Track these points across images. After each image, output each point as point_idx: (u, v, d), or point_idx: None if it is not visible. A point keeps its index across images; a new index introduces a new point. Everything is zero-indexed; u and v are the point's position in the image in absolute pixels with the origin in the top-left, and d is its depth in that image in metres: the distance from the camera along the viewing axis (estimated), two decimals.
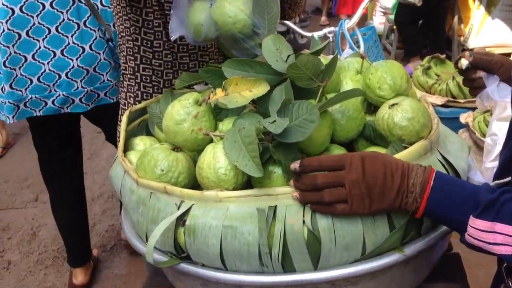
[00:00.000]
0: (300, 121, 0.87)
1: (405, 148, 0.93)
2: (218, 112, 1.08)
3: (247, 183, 0.93)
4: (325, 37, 2.05)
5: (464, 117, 2.91)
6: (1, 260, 2.82)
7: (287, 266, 0.87)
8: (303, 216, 0.85)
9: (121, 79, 1.48)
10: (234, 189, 0.90)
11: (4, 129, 4.10)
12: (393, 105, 0.99)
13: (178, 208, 0.91)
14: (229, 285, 0.92)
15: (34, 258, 2.83)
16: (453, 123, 3.08)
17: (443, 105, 3.16)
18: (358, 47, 2.19)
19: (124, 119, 1.21)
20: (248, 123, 0.93)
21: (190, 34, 1.14)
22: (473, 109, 2.99)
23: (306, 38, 2.42)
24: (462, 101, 3.10)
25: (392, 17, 5.56)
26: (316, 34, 2.05)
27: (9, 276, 2.70)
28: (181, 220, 0.91)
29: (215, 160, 0.90)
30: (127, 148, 1.17)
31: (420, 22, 5.23)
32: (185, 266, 0.94)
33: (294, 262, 0.86)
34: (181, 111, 0.98)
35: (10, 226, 3.11)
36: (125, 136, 1.17)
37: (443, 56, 3.55)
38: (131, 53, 1.39)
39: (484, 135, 2.69)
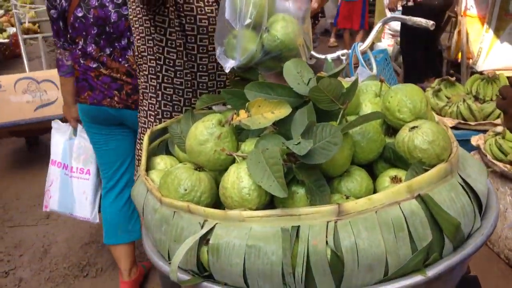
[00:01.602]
0: (323, 143, 0.88)
1: (426, 170, 0.94)
2: (239, 133, 1.10)
3: (270, 203, 0.94)
4: (338, 59, 2.08)
5: (476, 140, 2.91)
6: (12, 277, 2.83)
7: (310, 286, 0.88)
8: (326, 236, 0.86)
9: (141, 97, 1.50)
10: (257, 209, 0.92)
11: None
12: (413, 127, 1.00)
13: (202, 227, 0.93)
14: None
15: (45, 275, 2.83)
16: (464, 146, 3.08)
17: (454, 127, 3.16)
18: (371, 69, 2.21)
19: (145, 138, 1.23)
20: (271, 144, 0.94)
21: (239, 58, 1.12)
22: (484, 131, 3.00)
23: (314, 59, 2.47)
24: (473, 123, 3.11)
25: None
26: (330, 56, 2.08)
27: None
28: (204, 239, 0.93)
29: (239, 180, 0.92)
30: (148, 167, 1.19)
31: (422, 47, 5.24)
32: (207, 285, 0.94)
33: (317, 282, 0.87)
34: (205, 132, 1.00)
35: (22, 244, 3.13)
36: (147, 155, 1.19)
37: (453, 78, 3.57)
38: (153, 72, 1.42)
39: (495, 158, 2.69)
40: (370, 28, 6.36)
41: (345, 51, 2.11)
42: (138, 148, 1.57)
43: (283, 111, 0.98)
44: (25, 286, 2.76)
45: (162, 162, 1.23)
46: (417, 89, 1.07)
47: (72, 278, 2.80)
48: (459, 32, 5.12)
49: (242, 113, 0.99)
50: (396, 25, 5.86)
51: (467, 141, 3.00)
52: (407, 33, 5.14)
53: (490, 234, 0.98)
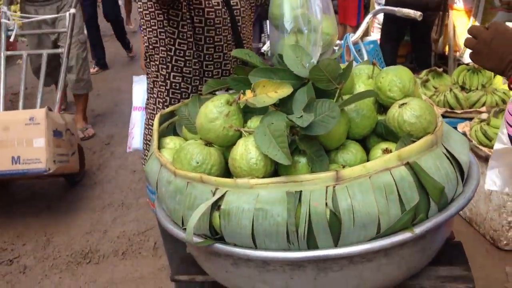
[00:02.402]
0: (323, 116, 0.99)
1: (413, 142, 1.05)
2: (245, 113, 1.20)
3: (275, 172, 1.05)
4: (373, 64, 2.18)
5: (462, 127, 3.04)
6: (17, 265, 2.92)
7: (311, 243, 0.99)
8: (326, 199, 0.97)
9: (151, 86, 1.60)
10: (264, 177, 1.02)
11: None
12: (402, 104, 1.11)
13: (213, 195, 1.03)
14: (258, 262, 1.04)
15: (49, 263, 2.92)
16: None
17: (442, 116, 3.29)
18: (362, 59, 2.33)
19: (156, 121, 1.33)
20: (275, 120, 1.05)
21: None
22: (470, 119, 3.12)
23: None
24: (459, 111, 3.24)
25: None
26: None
27: (26, 279, 2.80)
28: (215, 206, 1.03)
29: (247, 152, 1.02)
30: (159, 147, 1.29)
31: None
32: (219, 246, 1.05)
33: (317, 240, 0.98)
34: (214, 110, 1.11)
35: (24, 234, 3.21)
36: (157, 136, 1.29)
37: (441, 69, 3.71)
38: (163, 62, 1.51)
39: (480, 143, 2.82)
40: (359, 23, 6.48)
41: (338, 41, 2.22)
42: (147, 133, 1.66)
43: (285, 90, 1.09)
44: (29, 273, 2.85)
45: (171, 142, 1.33)
46: (406, 70, 1.18)
47: (75, 264, 2.89)
48: (446, 25, 5.26)
49: (248, 93, 1.10)
50: None
51: (454, 129, 3.13)
52: (383, 27, 5.23)
53: (471, 198, 1.09)
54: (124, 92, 5.62)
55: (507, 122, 1.09)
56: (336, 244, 0.99)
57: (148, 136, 1.66)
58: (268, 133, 1.00)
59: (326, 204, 0.97)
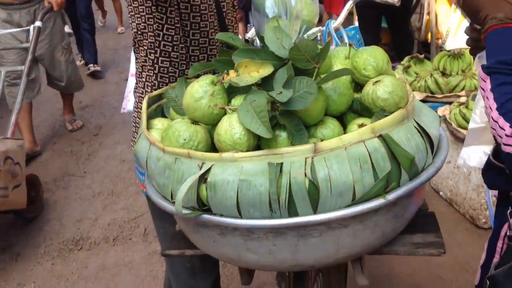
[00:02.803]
0: (301, 93, 1.07)
1: (386, 116, 1.13)
2: (229, 94, 1.27)
3: (258, 146, 1.12)
4: (312, 35, 2.25)
5: (442, 110, 3.14)
6: (10, 253, 2.97)
7: (291, 211, 1.06)
8: (305, 170, 1.04)
9: (140, 70, 1.65)
10: (247, 151, 1.09)
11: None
12: (376, 82, 1.19)
13: (200, 169, 1.10)
14: (243, 231, 1.11)
15: (41, 250, 2.98)
16: None
17: (422, 101, 3.38)
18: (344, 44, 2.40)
19: (144, 102, 1.39)
20: (257, 97, 1.12)
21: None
22: (450, 103, 3.23)
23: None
24: (439, 96, 3.34)
25: None
26: (305, 35, 2.25)
27: (19, 266, 2.85)
28: (202, 179, 1.10)
29: (231, 127, 1.09)
30: (147, 128, 1.36)
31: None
32: (207, 216, 1.12)
33: (297, 207, 1.06)
34: (200, 90, 1.17)
35: (17, 222, 3.25)
36: (146, 117, 1.35)
37: (422, 56, 3.80)
38: (152, 47, 1.57)
39: (459, 126, 2.92)
40: (352, 13, 6.55)
41: (319, 27, 2.29)
42: (136, 116, 1.72)
43: (267, 70, 1.16)
44: (22, 260, 2.91)
45: (159, 123, 1.39)
46: (379, 50, 1.25)
47: (67, 251, 2.95)
48: (428, 13, 5.35)
49: (232, 73, 1.16)
50: None
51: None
52: (358, 16, 5.29)
53: (439, 167, 1.18)
54: (110, 83, 5.66)
55: (481, 87, 1.12)
56: (315, 212, 1.07)
57: (137, 119, 1.72)
58: (250, 109, 1.07)
59: (305, 174, 1.04)
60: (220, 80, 1.17)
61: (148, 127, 1.37)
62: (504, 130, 1.00)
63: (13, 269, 2.84)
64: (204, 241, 1.24)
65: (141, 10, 1.54)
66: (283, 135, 1.09)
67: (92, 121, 4.76)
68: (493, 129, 1.03)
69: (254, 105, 1.06)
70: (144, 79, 1.64)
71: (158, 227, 1.74)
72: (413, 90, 3.47)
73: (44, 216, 3.31)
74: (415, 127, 1.15)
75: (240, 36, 1.68)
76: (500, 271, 1.12)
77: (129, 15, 1.59)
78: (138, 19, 1.56)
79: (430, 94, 3.36)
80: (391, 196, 1.08)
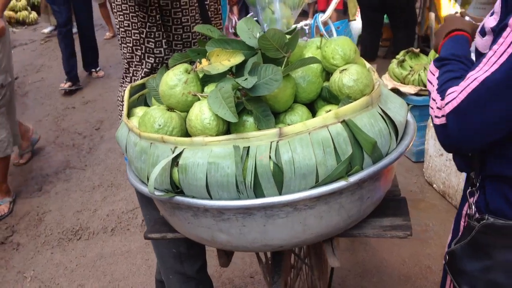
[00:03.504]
0: (266, 80, 1.12)
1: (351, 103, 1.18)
2: (206, 81, 1.32)
3: (227, 131, 1.18)
4: (301, 29, 2.30)
5: None
6: (10, 242, 3.06)
7: (258, 193, 1.12)
8: (270, 153, 1.10)
9: (126, 66, 1.71)
10: (217, 135, 1.15)
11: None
12: (342, 70, 1.24)
13: (173, 152, 1.16)
14: (214, 212, 1.17)
15: (41, 240, 3.06)
16: (425, 110, 3.35)
17: (416, 94, 3.42)
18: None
19: (126, 92, 1.46)
20: (227, 84, 1.17)
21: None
22: None
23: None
24: None
25: None
26: (293, 27, 2.30)
27: (19, 255, 2.93)
28: (175, 162, 1.16)
29: (201, 113, 1.15)
30: (129, 116, 1.42)
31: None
32: (179, 198, 1.18)
33: (263, 189, 1.11)
34: (174, 78, 1.23)
35: (17, 213, 3.35)
36: (127, 105, 1.42)
37: (418, 50, 3.83)
38: (137, 43, 1.62)
39: None
40: (345, 7, 6.57)
41: (308, 21, 2.33)
42: (121, 109, 1.78)
43: (237, 59, 1.21)
44: (22, 249, 2.99)
45: (141, 111, 1.45)
46: (348, 40, 1.30)
47: (66, 241, 3.03)
48: (428, 8, 5.37)
49: (204, 62, 1.22)
50: None
51: (427, 106, 3.26)
52: (361, 16, 5.30)
53: (403, 152, 1.23)
54: (113, 79, 5.74)
55: (428, 80, 1.23)
56: (280, 193, 1.12)
57: (121, 108, 1.78)
58: (219, 96, 1.12)
59: (270, 157, 1.10)
60: (193, 69, 1.23)
61: (130, 115, 1.43)
62: (436, 102, 1.10)
63: (13, 257, 2.92)
64: (180, 224, 1.30)
65: (124, 8, 1.59)
66: (250, 120, 1.15)
67: (94, 115, 4.84)
68: (430, 107, 1.14)
69: (222, 92, 1.12)
70: (131, 74, 1.70)
71: (145, 213, 1.80)
72: (407, 84, 3.51)
73: (45, 207, 3.40)
74: (379, 113, 1.20)
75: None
76: (458, 246, 1.18)
77: (113, 13, 1.65)
78: (121, 17, 1.62)
79: (423, 88, 3.40)
80: (353, 178, 1.13)
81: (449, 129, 1.08)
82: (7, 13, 8.72)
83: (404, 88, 3.47)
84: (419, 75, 3.43)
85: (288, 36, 1.24)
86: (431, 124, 3.24)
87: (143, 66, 1.67)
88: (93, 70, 5.91)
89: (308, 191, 1.12)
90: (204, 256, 1.91)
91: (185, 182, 1.15)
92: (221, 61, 1.21)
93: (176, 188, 1.20)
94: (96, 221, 3.20)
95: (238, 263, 2.68)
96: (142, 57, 1.66)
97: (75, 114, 4.92)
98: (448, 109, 1.07)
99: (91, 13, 5.62)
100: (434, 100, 1.12)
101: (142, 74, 1.66)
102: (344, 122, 1.14)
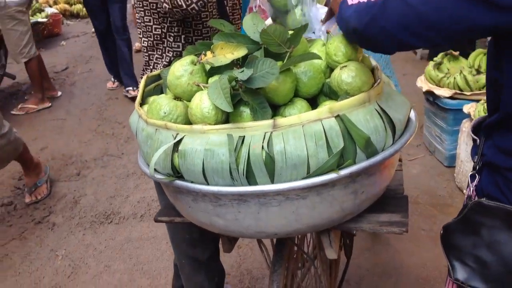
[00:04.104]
0: (263, 73, 1.17)
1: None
2: (213, 73, 1.38)
3: (226, 121, 1.23)
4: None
5: (467, 108, 3.11)
6: (47, 222, 3.23)
7: (251, 181, 1.17)
8: (263, 143, 1.15)
9: (146, 59, 1.77)
10: (215, 124, 1.21)
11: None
12: (343, 67, 1.27)
13: (174, 139, 1.23)
14: (211, 197, 1.23)
15: (75, 221, 3.22)
16: (459, 114, 3.29)
17: (450, 97, 3.36)
18: None
19: (142, 82, 1.54)
20: (225, 76, 1.23)
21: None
22: (478, 101, 3.19)
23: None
24: (468, 93, 3.30)
25: None
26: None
27: (53, 234, 3.10)
28: (176, 148, 1.23)
29: (201, 102, 1.21)
30: (143, 104, 1.50)
31: None
32: (179, 182, 1.25)
33: (256, 177, 1.16)
34: (180, 69, 1.30)
35: (55, 196, 3.53)
36: (142, 93, 1.50)
37: (457, 53, 3.75)
38: (158, 38, 1.70)
39: None
40: None
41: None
42: None
43: (240, 52, 1.26)
44: (57, 229, 3.15)
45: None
46: None
47: (98, 224, 3.18)
48: None
49: (209, 54, 1.28)
50: None
51: (461, 110, 3.20)
52: None
53: (398, 149, 1.24)
54: None
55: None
56: (272, 182, 1.17)
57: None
58: (218, 87, 1.18)
59: (263, 147, 1.14)
60: (198, 60, 1.29)
61: (144, 103, 1.51)
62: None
63: (48, 236, 3.09)
64: (183, 208, 1.37)
65: (145, 4, 1.66)
66: (247, 111, 1.20)
67: (134, 107, 5.00)
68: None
69: (221, 83, 1.18)
70: (151, 67, 1.78)
71: (160, 200, 1.89)
72: (442, 87, 3.45)
73: (82, 190, 3.57)
74: (376, 110, 1.22)
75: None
76: (453, 221, 1.23)
77: (134, 8, 1.74)
78: (141, 12, 1.69)
79: (458, 91, 3.33)
80: (344, 172, 1.17)
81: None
82: (63, 6, 9.13)
83: (438, 91, 3.42)
84: (454, 78, 3.37)
85: (290, 32, 1.28)
86: (463, 129, 3.19)
87: (163, 60, 1.75)
88: None
89: (299, 181, 1.16)
90: (217, 243, 1.98)
91: (184, 167, 1.22)
92: (225, 54, 1.27)
93: (177, 173, 1.26)
94: (127, 207, 3.33)
95: (257, 255, 2.73)
96: (164, 50, 1.74)
97: (117, 104, 5.11)
98: None
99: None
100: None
101: (161, 67, 1.74)
102: (338, 117, 1.17)
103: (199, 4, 1.51)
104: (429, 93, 3.54)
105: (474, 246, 1.20)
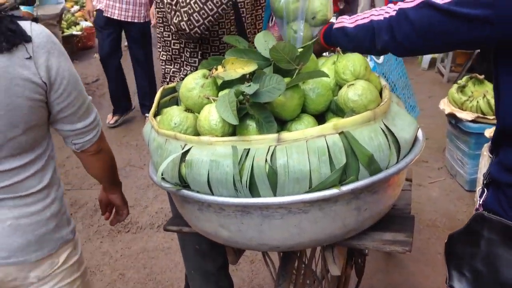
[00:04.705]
0: (270, 88, 1.20)
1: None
2: (224, 87, 1.41)
3: (233, 134, 1.26)
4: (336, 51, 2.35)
5: (489, 132, 3.07)
6: None
7: (254, 193, 1.19)
8: (266, 156, 1.17)
9: (163, 72, 1.84)
10: (222, 136, 1.24)
11: None
12: (350, 85, 1.29)
13: (182, 149, 1.27)
14: (215, 207, 1.26)
15: (94, 229, 3.29)
16: (481, 138, 3.24)
17: (473, 121, 3.33)
18: (377, 58, 2.47)
19: (158, 93, 1.59)
20: (234, 90, 1.26)
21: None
22: None
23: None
24: (491, 117, 3.26)
25: None
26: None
27: None
28: (184, 158, 1.27)
29: (210, 114, 1.25)
30: (158, 115, 1.55)
31: None
32: (185, 191, 1.28)
33: (259, 189, 1.18)
34: (192, 82, 1.34)
35: (77, 203, 3.61)
36: (157, 104, 1.54)
37: (482, 76, 3.72)
38: (176, 53, 1.76)
39: None
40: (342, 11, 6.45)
41: None
42: None
43: (250, 67, 1.30)
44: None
45: None
46: (360, 57, 1.35)
47: (116, 232, 3.23)
48: None
49: (220, 68, 1.32)
50: None
51: (483, 134, 3.16)
52: None
53: (402, 168, 1.25)
54: None
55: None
56: (274, 194, 1.19)
57: None
58: (226, 100, 1.22)
59: (266, 160, 1.17)
60: (209, 74, 1.33)
61: (158, 114, 1.56)
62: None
63: None
64: (189, 217, 1.40)
65: (165, 20, 1.72)
66: (253, 125, 1.23)
67: None
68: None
69: (229, 96, 1.21)
70: (168, 79, 1.83)
71: (171, 209, 1.92)
72: (465, 110, 3.42)
73: None
74: (381, 128, 1.24)
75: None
76: (457, 231, 1.27)
77: (153, 23, 1.80)
78: (161, 28, 1.75)
79: (481, 115, 3.30)
80: (346, 188, 1.18)
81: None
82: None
83: (461, 114, 3.39)
84: (477, 101, 3.34)
85: (300, 50, 1.31)
86: (485, 153, 3.14)
87: (180, 73, 1.81)
88: None
89: (301, 195, 1.18)
90: (226, 255, 2.00)
91: (190, 177, 1.25)
92: (236, 68, 1.31)
93: (184, 183, 1.30)
94: (145, 217, 3.38)
95: (267, 274, 2.74)
96: (181, 64, 1.80)
97: (143, 117, 5.21)
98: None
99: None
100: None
101: (178, 80, 1.80)
102: (342, 133, 1.19)
103: (201, 28, 1.54)
104: (451, 116, 3.51)
105: (472, 257, 1.23)
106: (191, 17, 1.51)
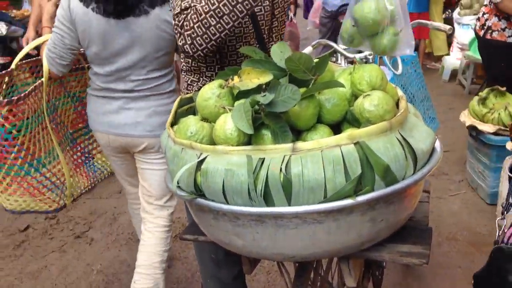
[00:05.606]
0: (285, 97, 1.20)
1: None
2: (240, 97, 1.42)
3: (248, 143, 1.27)
4: (365, 58, 2.35)
5: (510, 145, 3.02)
6: (85, 237, 3.34)
7: (269, 202, 1.20)
8: (281, 165, 1.17)
9: (185, 85, 1.88)
10: (237, 145, 1.25)
11: None
12: (366, 95, 1.29)
13: (198, 158, 1.27)
14: (230, 216, 1.26)
15: (112, 238, 3.32)
16: (503, 151, 3.19)
17: (494, 133, 3.28)
18: (396, 69, 2.46)
19: (175, 103, 1.60)
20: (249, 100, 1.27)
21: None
22: None
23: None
24: None
25: (468, 53, 5.66)
26: (358, 56, 2.36)
27: (91, 249, 3.20)
28: (199, 167, 1.27)
29: (225, 123, 1.26)
30: (175, 124, 1.56)
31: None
32: (200, 200, 1.29)
33: (274, 198, 1.19)
34: (209, 92, 1.36)
35: (96, 211, 3.65)
36: (174, 114, 1.56)
37: (504, 88, 3.67)
38: (196, 65, 1.80)
39: None
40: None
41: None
42: None
43: (266, 78, 1.31)
44: (95, 244, 3.26)
45: None
46: (376, 67, 1.35)
47: (133, 241, 3.26)
48: None
49: (236, 79, 1.33)
50: (465, 39, 5.90)
51: (504, 147, 3.11)
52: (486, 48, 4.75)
53: (419, 179, 1.24)
54: None
55: None
56: (289, 204, 1.19)
57: None
58: (241, 110, 1.22)
59: (281, 169, 1.17)
60: (226, 84, 1.35)
61: (176, 123, 1.57)
62: None
63: (85, 251, 3.19)
64: (205, 226, 1.41)
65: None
66: (268, 134, 1.24)
67: None
68: None
69: (244, 106, 1.22)
70: (186, 90, 1.86)
71: (188, 218, 1.93)
72: (486, 122, 3.38)
73: (121, 208, 3.67)
74: (397, 139, 1.23)
75: None
76: (481, 269, 1.24)
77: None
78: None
79: (502, 127, 3.25)
80: (361, 198, 1.17)
81: None
82: None
83: (482, 126, 3.35)
84: (499, 114, 3.30)
85: (316, 60, 1.32)
86: (506, 166, 3.09)
87: (199, 83, 1.83)
88: None
89: (315, 205, 1.17)
90: (241, 265, 2.00)
91: (205, 185, 1.26)
92: (251, 79, 1.31)
93: (199, 192, 1.30)
94: None
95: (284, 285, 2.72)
96: (200, 75, 1.82)
97: None
98: None
99: None
100: None
101: (196, 90, 1.82)
102: (358, 143, 1.18)
103: (204, 51, 1.59)
104: (472, 128, 3.47)
105: None
106: (194, 41, 1.57)
